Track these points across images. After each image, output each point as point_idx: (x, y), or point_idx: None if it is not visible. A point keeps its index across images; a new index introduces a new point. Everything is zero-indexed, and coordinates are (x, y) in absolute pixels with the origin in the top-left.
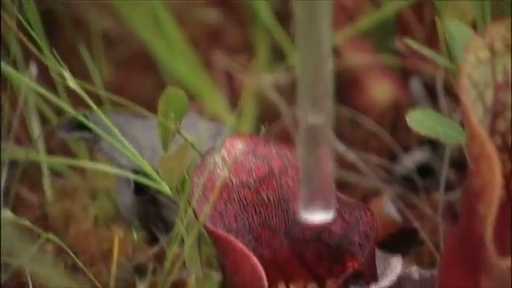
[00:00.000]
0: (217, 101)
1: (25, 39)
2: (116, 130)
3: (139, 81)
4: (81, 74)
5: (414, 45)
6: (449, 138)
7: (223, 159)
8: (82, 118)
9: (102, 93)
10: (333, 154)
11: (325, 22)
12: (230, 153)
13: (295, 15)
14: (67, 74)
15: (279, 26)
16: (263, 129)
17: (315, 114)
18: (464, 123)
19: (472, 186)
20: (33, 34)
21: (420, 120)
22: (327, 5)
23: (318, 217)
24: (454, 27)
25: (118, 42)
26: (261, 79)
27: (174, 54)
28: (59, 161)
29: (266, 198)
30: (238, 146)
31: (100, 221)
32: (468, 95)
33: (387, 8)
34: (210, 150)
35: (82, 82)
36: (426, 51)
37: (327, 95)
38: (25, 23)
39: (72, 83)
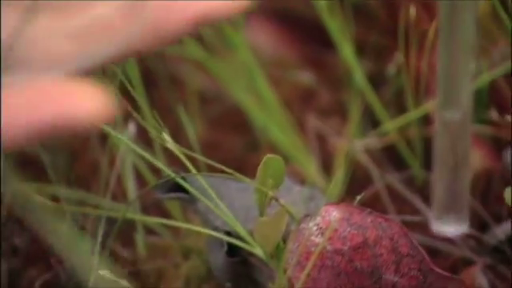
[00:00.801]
0: (308, 163)
1: (123, 99)
2: (212, 192)
3: (231, 139)
4: (175, 130)
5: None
6: None
7: (318, 227)
8: (179, 180)
9: (199, 157)
10: (423, 221)
11: (468, 20)
12: (326, 221)
13: (440, 13)
14: (166, 136)
15: (373, 89)
16: (358, 197)
17: (453, 110)
18: None
19: None
20: (133, 93)
21: None
22: (471, 6)
23: (450, 229)
24: None
25: (212, 100)
26: (352, 143)
27: (267, 114)
28: (155, 220)
29: (359, 266)
30: (334, 214)
31: (191, 280)
32: None
33: (481, 78)
34: (306, 217)
35: (177, 140)
36: None
37: (466, 91)
38: (126, 82)
39: (171, 145)
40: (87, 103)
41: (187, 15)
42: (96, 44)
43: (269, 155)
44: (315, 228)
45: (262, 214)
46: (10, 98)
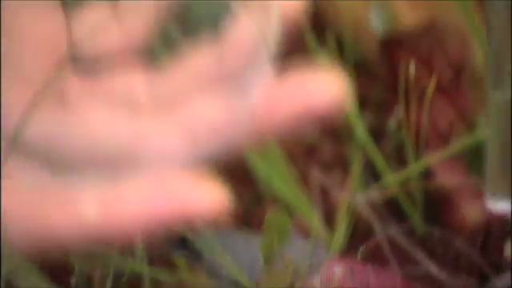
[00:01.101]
0: (312, 215)
1: None
2: (219, 247)
3: (235, 192)
4: None
5: None
6: None
7: (322, 281)
8: (185, 236)
9: None
10: (424, 273)
11: None
12: (329, 275)
13: None
14: None
15: (374, 143)
16: (361, 249)
17: (503, 89)
18: None
19: None
20: None
21: None
22: None
23: (503, 205)
24: None
25: None
26: (354, 196)
27: (272, 168)
28: (163, 276)
29: None
30: (337, 269)
31: None
32: None
33: (480, 132)
34: (310, 272)
35: None
36: None
37: None
38: None
39: None
40: (206, 196)
41: (293, 112)
42: (204, 142)
43: (274, 211)
44: (318, 283)
45: (267, 268)
46: (130, 190)
